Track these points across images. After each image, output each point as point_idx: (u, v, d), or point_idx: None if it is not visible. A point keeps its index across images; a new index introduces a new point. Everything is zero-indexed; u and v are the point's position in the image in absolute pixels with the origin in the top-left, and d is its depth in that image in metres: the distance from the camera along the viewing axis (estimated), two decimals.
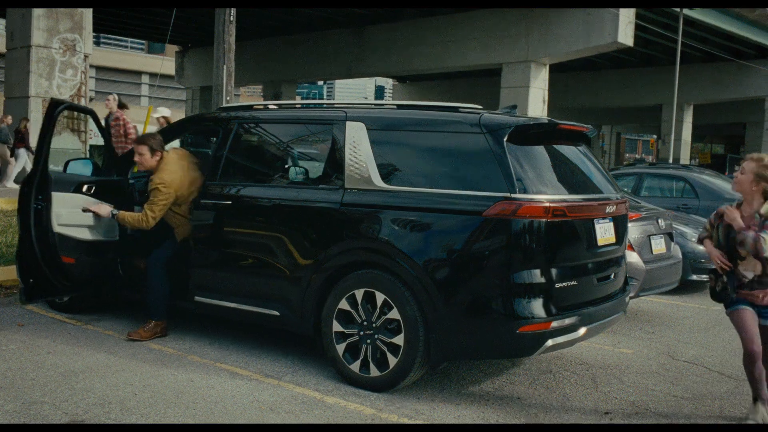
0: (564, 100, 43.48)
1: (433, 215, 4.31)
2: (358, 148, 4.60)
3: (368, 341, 4.48)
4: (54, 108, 5.42)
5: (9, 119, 19.02)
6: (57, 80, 18.24)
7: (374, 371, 4.45)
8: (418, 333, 4.31)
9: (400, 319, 4.36)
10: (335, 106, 5.25)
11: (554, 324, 4.16)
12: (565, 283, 4.29)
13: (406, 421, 4.01)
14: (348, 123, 4.71)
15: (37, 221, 5.31)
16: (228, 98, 11.91)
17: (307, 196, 4.83)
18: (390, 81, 72.15)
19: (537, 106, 28.36)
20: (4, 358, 4.77)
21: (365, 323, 4.48)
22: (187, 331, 5.62)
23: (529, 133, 4.55)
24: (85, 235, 5.38)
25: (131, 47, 68.42)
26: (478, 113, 4.56)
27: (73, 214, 5.30)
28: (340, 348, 4.57)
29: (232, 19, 11.88)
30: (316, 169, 5.02)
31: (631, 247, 6.27)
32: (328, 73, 39.95)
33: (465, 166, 4.36)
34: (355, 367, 4.52)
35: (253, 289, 5.03)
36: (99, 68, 52.12)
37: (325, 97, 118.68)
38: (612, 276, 4.80)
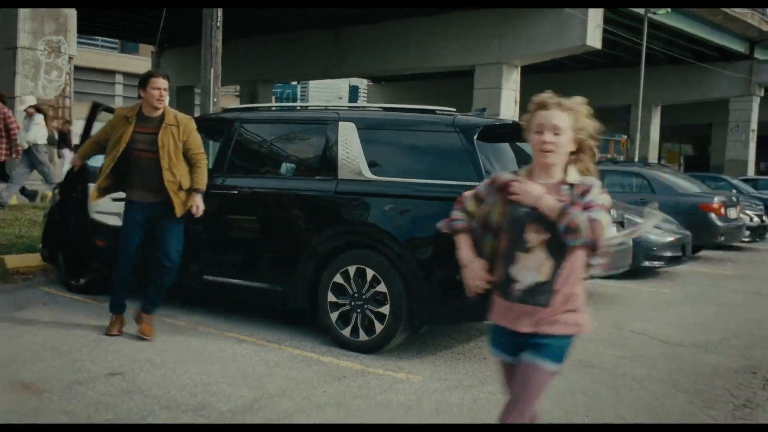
0: None
1: (414, 201, 5.09)
2: (350, 144, 5.37)
3: (358, 310, 5.23)
4: (95, 108, 6.17)
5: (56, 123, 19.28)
6: (42, 81, 18.72)
7: (363, 336, 5.21)
8: (401, 304, 5.07)
9: (386, 291, 5.12)
10: (329, 108, 6.01)
11: None
12: None
13: (390, 373, 4.76)
14: (340, 123, 5.48)
15: (76, 209, 6.09)
16: (215, 99, 12.60)
17: (304, 186, 5.60)
18: (365, 81, 72.71)
19: (509, 106, 29.21)
20: (39, 329, 5.45)
21: (356, 295, 5.24)
22: (193, 308, 6.32)
23: (496, 132, 5.37)
24: (115, 221, 6.07)
25: (102, 46, 68.35)
26: (453, 115, 5.36)
27: (106, 203, 5.99)
28: (334, 316, 5.33)
29: (219, 24, 12.57)
30: (312, 162, 5.77)
31: None
32: (304, 73, 40.63)
33: (441, 159, 5.14)
34: (347, 332, 5.28)
35: (258, 268, 5.78)
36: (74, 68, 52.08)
37: (299, 96, 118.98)
38: None
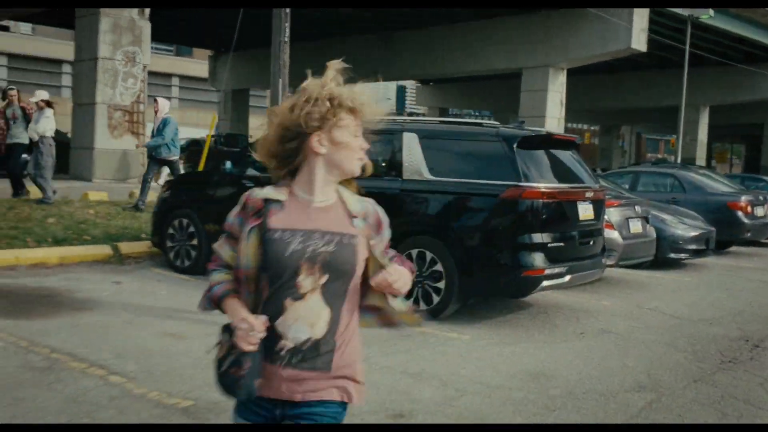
0: (583, 101, 45.13)
1: (465, 197, 6.32)
2: (412, 151, 6.61)
3: (419, 285, 6.46)
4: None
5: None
6: (120, 88, 20.37)
7: (422, 305, 6.45)
8: (454, 280, 6.29)
9: (442, 270, 6.34)
10: (396, 120, 7.23)
11: (547, 271, 6.14)
12: (555, 244, 6.27)
13: (445, 333, 5.97)
14: (404, 133, 6.72)
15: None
16: None
17: (376, 185, 6.83)
18: (413, 82, 73.80)
19: (555, 108, 30.08)
20: (167, 297, 6.80)
21: (417, 273, 6.48)
22: None
23: (533, 141, 6.56)
24: None
25: (157, 49, 70.71)
26: (496, 128, 6.58)
27: None
28: None
29: (286, 39, 13.88)
30: (381, 165, 7.02)
31: (611, 226, 8.20)
32: (355, 77, 41.95)
33: (486, 163, 6.37)
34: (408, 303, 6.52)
35: None
36: None
37: None
38: (591, 242, 6.78)
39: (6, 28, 49.91)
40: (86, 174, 19.94)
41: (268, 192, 2.05)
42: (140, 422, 3.77)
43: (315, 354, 2.00)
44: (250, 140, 38.39)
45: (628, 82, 45.35)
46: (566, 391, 4.65)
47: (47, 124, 11.94)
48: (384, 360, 5.14)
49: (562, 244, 6.34)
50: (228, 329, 2.02)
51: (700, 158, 46.14)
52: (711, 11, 28.74)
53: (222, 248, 2.12)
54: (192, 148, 32.71)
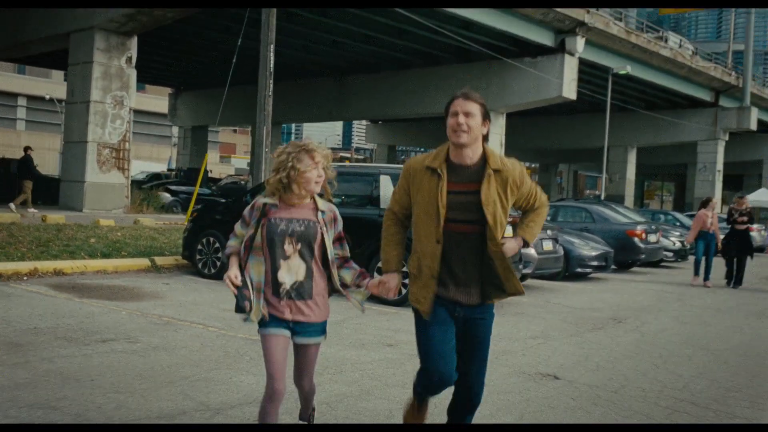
0: (523, 142, 48.84)
1: None
2: (387, 188, 9.40)
3: None
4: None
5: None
6: (108, 128, 22.77)
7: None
8: None
9: None
10: (375, 166, 10.00)
11: None
12: None
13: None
14: (381, 176, 9.51)
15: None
16: (267, 150, 16.61)
17: (361, 212, 9.60)
18: (363, 121, 76.85)
19: (495, 148, 33.16)
20: (207, 292, 9.39)
21: None
22: None
23: None
24: None
25: None
26: None
27: None
28: None
29: (269, 93, 16.63)
30: (366, 198, 9.76)
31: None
32: (311, 116, 44.71)
33: None
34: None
35: None
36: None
37: (293, 134, 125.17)
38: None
39: None
40: (77, 205, 22.12)
41: (267, 199, 3.43)
42: (233, 346, 6.38)
43: (301, 290, 3.35)
44: (210, 175, 40.67)
45: (562, 125, 49.18)
46: None
47: None
48: (374, 323, 7.86)
49: None
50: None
51: (629, 195, 49.91)
52: (628, 67, 32.46)
53: (237, 227, 3.50)
54: (153, 182, 34.67)
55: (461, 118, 3.36)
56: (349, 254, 3.57)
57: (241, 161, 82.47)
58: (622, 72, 32.28)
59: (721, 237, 14.32)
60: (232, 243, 3.50)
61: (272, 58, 16.41)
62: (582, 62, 33.14)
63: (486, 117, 3.47)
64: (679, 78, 40.87)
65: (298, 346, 3.44)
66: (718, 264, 15.03)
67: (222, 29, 30.32)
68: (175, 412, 4.37)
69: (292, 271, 3.35)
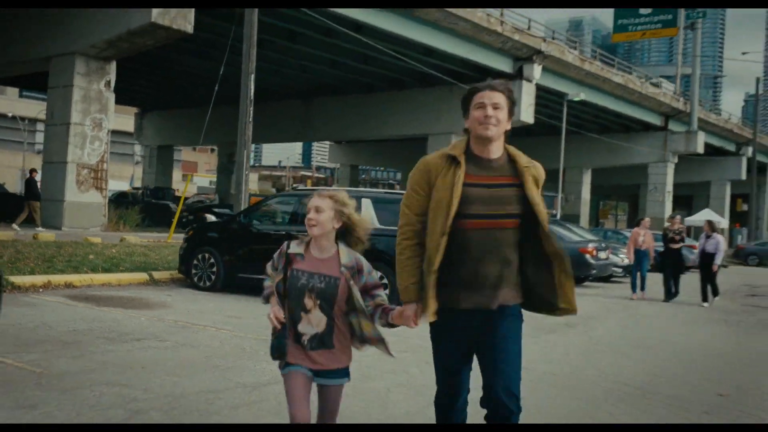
0: None
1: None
2: (368, 209, 10.63)
3: None
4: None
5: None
6: (87, 149, 23.64)
7: None
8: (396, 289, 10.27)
9: (388, 284, 10.30)
10: (357, 190, 11.22)
11: None
12: None
13: None
14: (363, 199, 10.74)
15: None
16: (246, 172, 17.74)
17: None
18: (325, 141, 77.96)
19: None
20: (206, 302, 10.48)
21: None
22: None
23: None
24: None
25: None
26: None
27: None
28: None
29: (250, 120, 17.78)
30: None
31: None
32: (279, 136, 45.94)
33: None
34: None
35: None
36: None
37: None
38: None
39: None
40: (57, 223, 22.89)
41: (293, 247, 3.35)
42: (247, 344, 7.51)
43: (323, 341, 3.27)
44: (177, 194, 41.34)
45: (520, 147, 50.59)
46: None
47: None
48: None
49: None
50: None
51: (584, 215, 51.83)
52: (582, 94, 34.28)
53: (269, 268, 3.50)
54: (120, 200, 35.30)
55: (489, 110, 3.21)
56: (385, 301, 3.39)
57: (203, 179, 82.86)
58: (577, 99, 34.07)
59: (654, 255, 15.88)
60: (268, 283, 3.48)
61: (252, 87, 17.59)
62: (539, 88, 34.93)
63: (512, 111, 3.36)
64: (630, 103, 43.00)
65: (320, 387, 3.37)
66: (655, 279, 16.54)
67: (196, 54, 31.40)
68: (220, 388, 5.51)
69: (312, 323, 3.30)
